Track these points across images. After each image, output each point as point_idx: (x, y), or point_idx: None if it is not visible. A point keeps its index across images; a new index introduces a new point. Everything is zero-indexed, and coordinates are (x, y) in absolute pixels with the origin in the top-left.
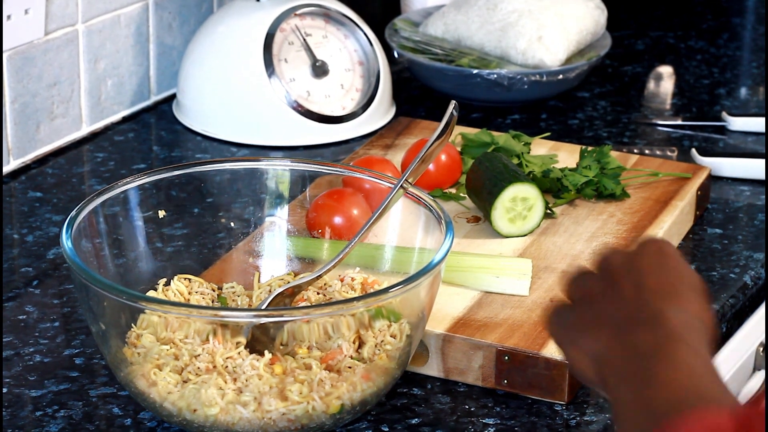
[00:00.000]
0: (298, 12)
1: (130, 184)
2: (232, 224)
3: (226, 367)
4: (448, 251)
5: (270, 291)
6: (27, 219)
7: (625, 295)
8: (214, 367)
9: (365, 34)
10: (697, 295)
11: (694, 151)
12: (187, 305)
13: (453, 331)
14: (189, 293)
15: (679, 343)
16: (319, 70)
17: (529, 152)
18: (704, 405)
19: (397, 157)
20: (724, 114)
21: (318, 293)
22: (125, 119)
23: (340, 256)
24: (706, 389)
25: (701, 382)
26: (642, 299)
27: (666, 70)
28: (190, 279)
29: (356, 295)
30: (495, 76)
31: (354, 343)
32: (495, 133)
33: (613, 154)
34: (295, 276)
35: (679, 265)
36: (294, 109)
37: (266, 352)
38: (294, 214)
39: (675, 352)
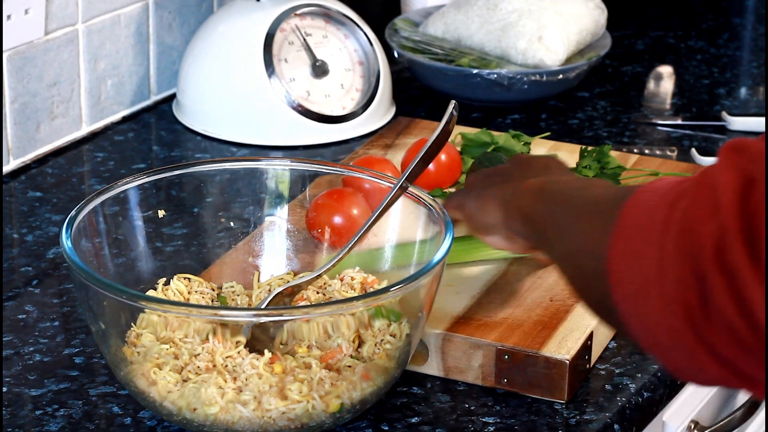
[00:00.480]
0: (298, 12)
1: (130, 184)
2: (232, 224)
3: (226, 366)
4: (447, 251)
5: (270, 290)
6: (27, 219)
7: (511, 174)
8: (214, 366)
9: (365, 34)
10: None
11: (694, 151)
12: (186, 304)
13: (453, 330)
14: (189, 293)
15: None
16: (319, 70)
17: (529, 152)
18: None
19: (397, 157)
20: (724, 114)
21: (318, 292)
22: (125, 119)
23: (340, 256)
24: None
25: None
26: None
27: (666, 70)
28: (189, 278)
29: (356, 294)
30: (495, 75)
31: (354, 342)
32: (495, 133)
33: (613, 154)
34: (294, 275)
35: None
36: (294, 108)
37: (266, 351)
38: (294, 213)
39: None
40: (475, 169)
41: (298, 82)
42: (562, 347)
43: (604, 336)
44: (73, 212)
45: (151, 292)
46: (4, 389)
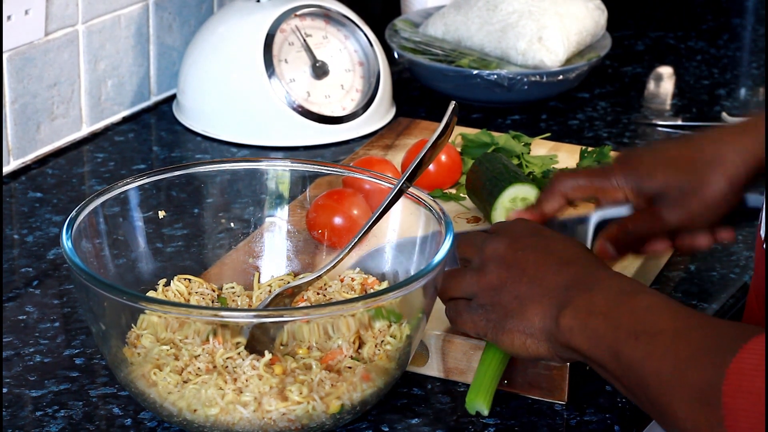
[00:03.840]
0: (298, 13)
1: (130, 185)
2: (232, 224)
3: (226, 367)
4: (448, 251)
5: (270, 291)
6: (27, 219)
7: (529, 273)
8: (214, 367)
9: (365, 34)
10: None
11: (725, 114)
12: (187, 305)
13: (453, 331)
14: (189, 293)
15: (639, 289)
16: (320, 70)
17: (529, 153)
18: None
19: (397, 158)
20: (723, 114)
21: (318, 293)
22: (125, 120)
23: (341, 257)
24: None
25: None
26: (550, 270)
27: (666, 71)
28: (190, 279)
29: (356, 295)
30: (495, 76)
31: (354, 343)
32: (495, 134)
33: (613, 154)
34: (295, 276)
35: (547, 234)
36: (294, 109)
37: (266, 352)
38: (294, 214)
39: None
40: (475, 169)
41: (298, 82)
42: None
43: None
44: (73, 213)
45: (151, 293)
46: (5, 390)
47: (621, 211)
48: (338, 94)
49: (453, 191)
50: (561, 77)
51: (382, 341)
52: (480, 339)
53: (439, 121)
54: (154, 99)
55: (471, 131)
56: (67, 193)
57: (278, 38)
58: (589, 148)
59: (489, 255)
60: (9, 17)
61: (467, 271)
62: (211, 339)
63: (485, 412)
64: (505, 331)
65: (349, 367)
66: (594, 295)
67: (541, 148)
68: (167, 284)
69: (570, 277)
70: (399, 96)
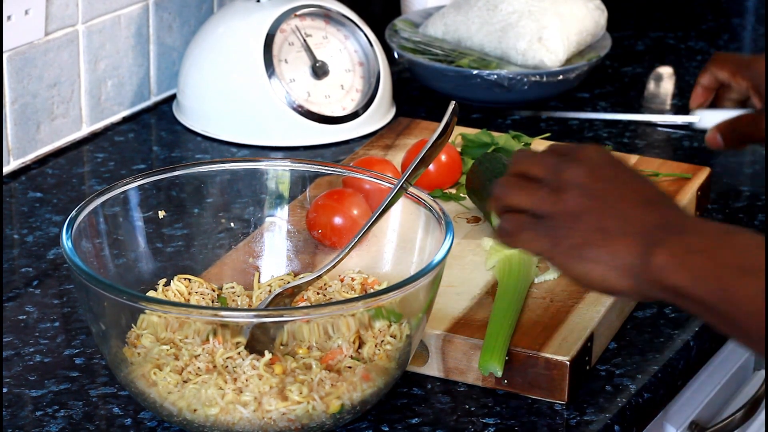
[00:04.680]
0: (298, 13)
1: (130, 185)
2: (232, 224)
3: (226, 367)
4: (448, 251)
5: (270, 291)
6: (27, 219)
7: (615, 207)
8: (214, 367)
9: (365, 34)
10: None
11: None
12: (187, 305)
13: (453, 331)
14: (189, 293)
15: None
16: (320, 70)
17: None
18: None
19: (397, 158)
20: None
21: (318, 293)
22: (125, 120)
23: (341, 257)
24: None
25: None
26: (638, 208)
27: (666, 71)
28: (190, 279)
29: (356, 295)
30: (495, 76)
31: (354, 343)
32: (495, 134)
33: (613, 154)
34: (295, 276)
35: (624, 167)
36: (294, 109)
37: (266, 352)
38: (294, 214)
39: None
40: (475, 169)
41: (298, 82)
42: (563, 348)
43: (604, 337)
44: (73, 213)
45: (151, 293)
46: (5, 390)
47: (729, 113)
48: (338, 94)
49: (453, 191)
50: (561, 77)
51: (382, 341)
52: (537, 256)
53: (439, 121)
54: (154, 99)
55: (471, 131)
56: (67, 193)
57: (278, 38)
58: None
59: (568, 179)
60: (9, 17)
61: (539, 187)
62: (211, 339)
63: (498, 374)
64: (582, 259)
65: (349, 367)
66: (688, 237)
67: (541, 148)
68: (167, 284)
69: (659, 218)
70: (399, 96)
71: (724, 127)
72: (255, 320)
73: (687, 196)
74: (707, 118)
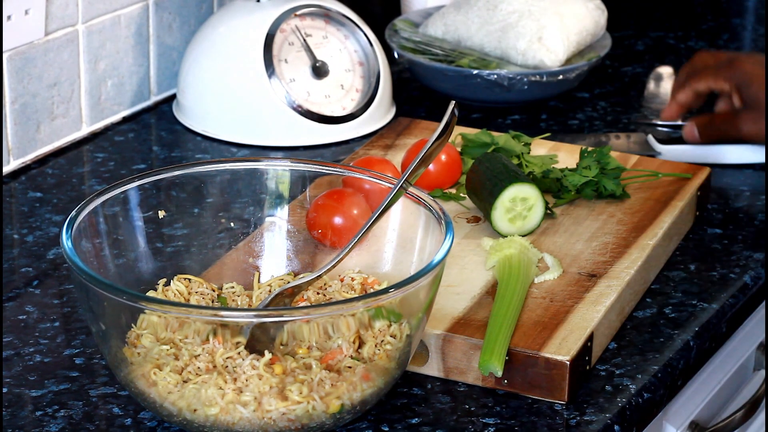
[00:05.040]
0: (298, 12)
1: (130, 185)
2: (232, 224)
3: (226, 367)
4: (448, 251)
5: (270, 291)
6: (27, 219)
7: None
8: (214, 367)
9: (365, 34)
10: None
11: (650, 137)
12: (187, 305)
13: (453, 331)
14: (189, 293)
15: None
16: (320, 70)
17: (529, 152)
18: None
19: (397, 158)
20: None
21: (318, 293)
22: (125, 119)
23: (341, 257)
24: None
25: None
26: None
27: (666, 71)
28: (190, 279)
29: (356, 295)
30: (495, 76)
31: (354, 343)
32: (495, 134)
33: (613, 154)
34: (295, 276)
35: None
36: (294, 109)
37: (266, 352)
38: (294, 214)
39: None
40: (475, 169)
41: (298, 82)
42: (562, 348)
43: (604, 337)
44: (73, 213)
45: (151, 293)
46: (5, 390)
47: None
48: (338, 94)
49: (453, 191)
50: (561, 77)
51: (382, 341)
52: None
53: (439, 121)
54: (154, 99)
55: (471, 131)
56: (67, 193)
57: (278, 38)
58: (589, 148)
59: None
60: (9, 17)
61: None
62: (211, 339)
63: (499, 373)
64: None
65: (349, 367)
66: None
67: (541, 148)
68: (167, 284)
69: None
70: (399, 96)
71: (701, 122)
72: (255, 320)
73: (687, 196)
74: (670, 154)
